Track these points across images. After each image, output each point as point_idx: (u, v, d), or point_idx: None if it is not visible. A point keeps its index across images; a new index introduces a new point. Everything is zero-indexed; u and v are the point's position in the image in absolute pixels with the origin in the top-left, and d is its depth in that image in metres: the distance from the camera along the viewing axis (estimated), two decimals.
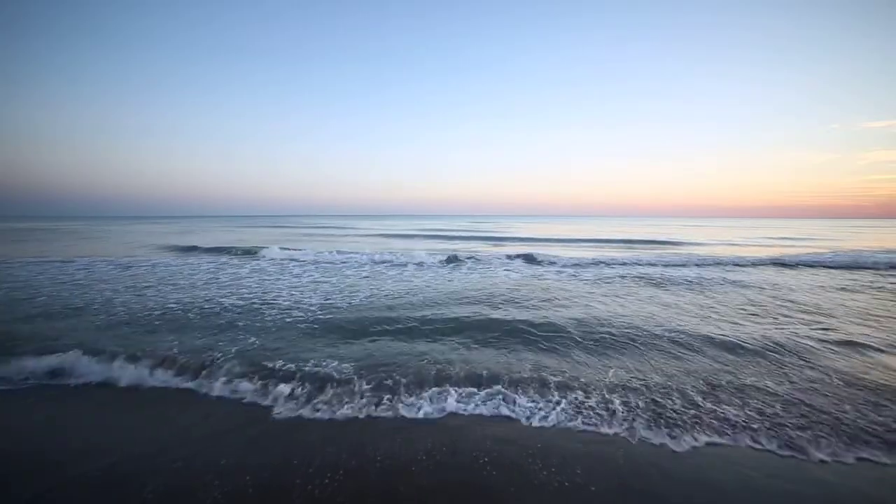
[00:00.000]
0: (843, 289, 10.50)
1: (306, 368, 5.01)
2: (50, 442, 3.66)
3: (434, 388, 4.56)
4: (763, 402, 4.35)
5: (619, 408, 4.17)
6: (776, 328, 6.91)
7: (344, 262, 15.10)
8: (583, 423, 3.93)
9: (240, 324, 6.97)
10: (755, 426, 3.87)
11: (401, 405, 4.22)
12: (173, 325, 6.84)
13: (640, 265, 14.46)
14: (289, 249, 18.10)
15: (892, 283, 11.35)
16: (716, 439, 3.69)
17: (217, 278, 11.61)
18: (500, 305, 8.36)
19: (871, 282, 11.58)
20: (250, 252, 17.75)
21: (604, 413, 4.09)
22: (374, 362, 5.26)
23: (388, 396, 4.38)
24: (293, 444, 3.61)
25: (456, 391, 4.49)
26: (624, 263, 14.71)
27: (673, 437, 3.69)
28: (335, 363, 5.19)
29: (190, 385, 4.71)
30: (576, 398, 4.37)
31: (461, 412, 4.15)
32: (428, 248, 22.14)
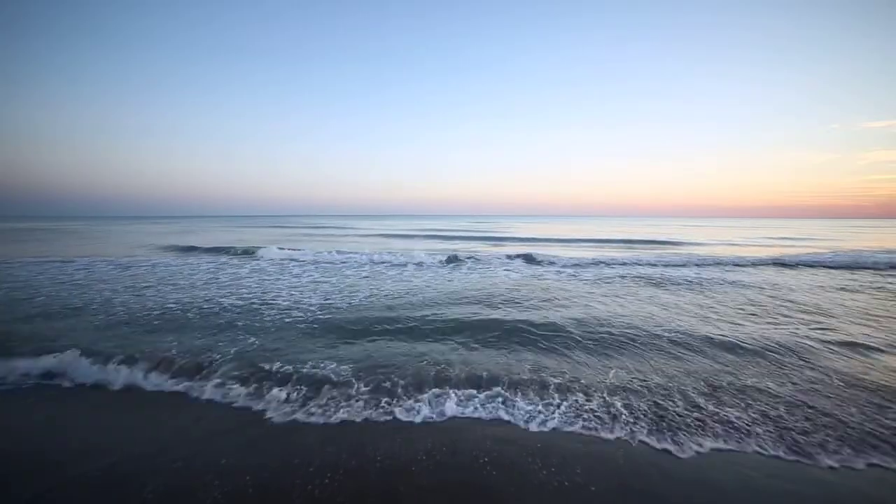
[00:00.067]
0: (843, 289, 10.50)
1: (304, 370, 4.97)
2: (50, 442, 3.66)
3: (433, 390, 4.52)
4: (766, 404, 4.29)
5: (621, 411, 4.11)
6: (777, 329, 6.91)
7: (343, 262, 15.11)
8: (583, 427, 3.87)
9: (239, 324, 6.97)
10: (759, 430, 3.81)
11: (398, 409, 4.17)
12: (171, 326, 6.84)
13: (639, 265, 14.46)
14: (288, 249, 18.09)
15: (892, 284, 11.35)
16: (720, 444, 3.62)
17: (216, 278, 11.61)
18: (500, 305, 8.36)
19: (872, 282, 11.58)
20: (248, 252, 17.73)
21: (605, 416, 4.04)
22: (372, 364, 5.23)
23: (386, 399, 4.33)
24: (292, 446, 3.61)
25: (455, 394, 4.44)
26: (624, 263, 14.72)
27: (677, 444, 3.61)
28: (333, 365, 5.16)
29: (182, 388, 4.63)
30: (576, 401, 4.32)
31: (459, 416, 4.09)
32: (428, 248, 22.14)
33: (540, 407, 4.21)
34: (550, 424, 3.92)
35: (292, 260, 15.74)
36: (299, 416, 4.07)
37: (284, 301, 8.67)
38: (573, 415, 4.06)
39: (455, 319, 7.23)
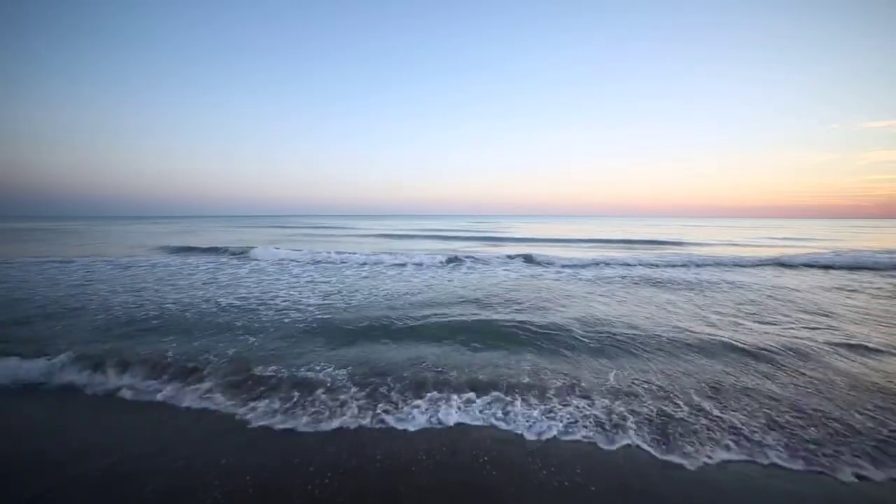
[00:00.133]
0: (844, 290, 10.49)
1: (299, 374, 4.90)
2: (50, 442, 3.66)
3: (431, 394, 4.43)
4: (771, 409, 4.17)
5: (623, 418, 3.97)
6: (778, 330, 6.89)
7: (343, 262, 15.11)
8: (583, 437, 3.72)
9: (237, 323, 6.97)
10: (768, 440, 3.65)
11: (392, 417, 4.03)
12: (165, 329, 6.70)
13: (639, 266, 14.46)
14: (286, 250, 18.07)
15: (893, 284, 11.34)
16: (726, 456, 3.45)
17: (215, 278, 11.61)
18: (500, 306, 8.35)
19: (873, 283, 11.58)
20: (245, 252, 17.63)
21: (606, 423, 3.91)
22: (370, 367, 5.15)
23: (382, 407, 4.19)
24: (292, 447, 3.61)
25: (453, 400, 4.30)
26: (624, 264, 14.72)
27: (685, 455, 3.44)
28: (330, 368, 5.09)
29: (172, 395, 4.46)
30: (577, 407, 4.19)
31: (455, 425, 3.92)
32: (428, 248, 22.14)
33: (537, 413, 4.08)
34: (550, 434, 3.76)
35: (292, 260, 15.72)
36: (290, 424, 3.91)
37: (283, 301, 8.67)
38: (573, 422, 3.93)
39: (454, 321, 7.22)
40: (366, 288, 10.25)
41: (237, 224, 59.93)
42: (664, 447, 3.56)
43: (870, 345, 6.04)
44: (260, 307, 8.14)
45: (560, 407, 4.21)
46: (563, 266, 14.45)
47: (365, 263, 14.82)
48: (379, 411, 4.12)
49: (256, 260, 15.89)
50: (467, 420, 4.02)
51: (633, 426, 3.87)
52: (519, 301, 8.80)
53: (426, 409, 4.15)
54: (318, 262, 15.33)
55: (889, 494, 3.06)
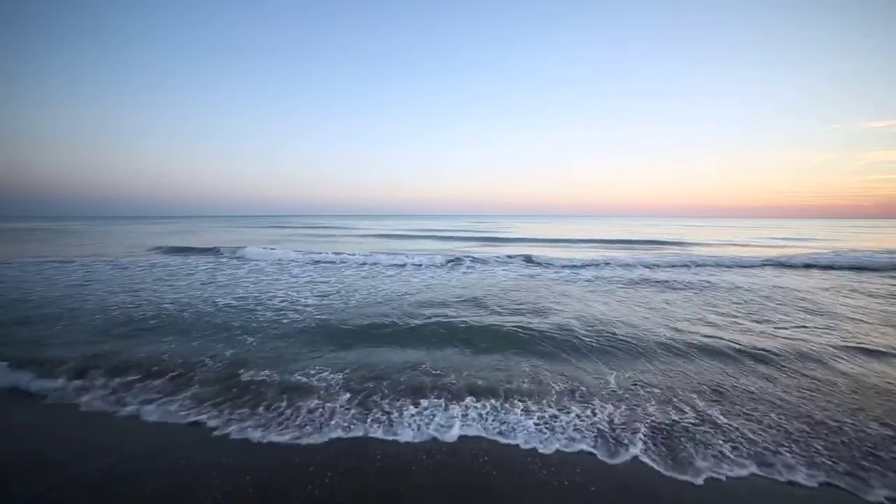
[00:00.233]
0: (847, 291, 10.48)
1: (292, 379, 4.80)
2: (50, 442, 3.66)
3: (427, 402, 4.28)
4: (781, 418, 4.02)
5: (625, 430, 3.80)
6: (780, 332, 6.85)
7: (343, 262, 15.11)
8: (585, 449, 3.54)
9: (234, 324, 6.97)
10: (782, 452, 3.47)
11: (384, 426, 3.86)
12: (161, 331, 6.58)
13: (639, 266, 14.45)
14: (282, 250, 18.07)
15: (894, 285, 11.34)
16: (736, 470, 3.26)
17: (214, 278, 11.62)
18: (499, 307, 8.35)
19: (874, 283, 11.57)
20: (238, 252, 17.60)
21: (608, 433, 3.75)
22: (366, 372, 5.02)
23: (378, 415, 4.05)
24: (291, 447, 3.61)
25: (453, 408, 4.16)
26: (624, 264, 14.71)
27: (693, 470, 3.26)
28: (325, 372, 4.99)
29: (151, 412, 4.14)
30: (577, 416, 4.04)
31: (448, 440, 3.69)
32: (427, 248, 22.16)
33: (537, 423, 3.91)
34: (550, 448, 3.56)
35: (292, 261, 15.73)
36: (279, 437, 3.70)
37: (281, 301, 8.68)
38: (574, 433, 3.76)
39: (453, 321, 7.20)
40: (365, 288, 10.26)
41: (237, 224, 59.93)
42: (670, 461, 3.38)
43: (879, 349, 5.90)
44: (258, 307, 8.14)
45: (560, 416, 4.05)
46: (563, 266, 14.45)
47: (364, 263, 14.82)
48: (370, 422, 3.93)
49: (255, 260, 15.89)
50: (466, 432, 3.81)
51: (637, 437, 3.69)
52: (518, 301, 8.80)
53: (424, 419, 3.98)
54: (319, 262, 15.33)
55: None
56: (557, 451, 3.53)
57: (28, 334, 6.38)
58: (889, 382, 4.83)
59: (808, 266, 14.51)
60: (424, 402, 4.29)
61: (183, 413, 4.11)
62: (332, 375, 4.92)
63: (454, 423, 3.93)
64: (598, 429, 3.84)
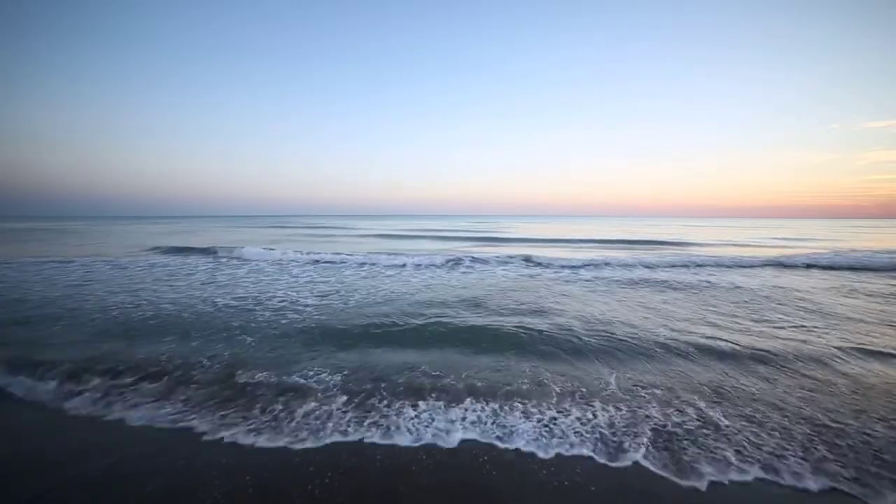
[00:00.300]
0: (846, 291, 10.47)
1: (289, 381, 4.74)
2: (50, 442, 3.66)
3: (427, 403, 4.23)
4: (786, 420, 3.93)
5: (627, 433, 3.72)
6: (782, 333, 6.83)
7: (343, 263, 15.10)
8: (586, 453, 3.47)
9: (234, 323, 6.97)
10: (786, 456, 3.39)
11: (382, 431, 3.78)
12: (155, 333, 6.49)
13: (639, 266, 14.44)
14: (284, 250, 18.07)
15: (893, 285, 11.34)
16: (741, 475, 3.18)
17: (214, 278, 11.62)
18: (499, 307, 8.35)
19: (874, 284, 11.56)
20: (241, 252, 17.61)
21: (609, 437, 3.68)
22: (364, 374, 4.95)
23: (376, 418, 3.97)
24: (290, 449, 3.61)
25: (452, 412, 4.08)
26: (624, 264, 14.70)
27: (696, 474, 3.19)
28: (323, 374, 4.92)
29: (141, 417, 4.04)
30: (578, 419, 3.97)
31: (447, 445, 3.60)
32: (427, 248, 22.16)
33: (536, 427, 3.83)
34: (550, 453, 3.48)
35: (292, 261, 15.73)
36: (268, 443, 3.62)
37: (280, 301, 8.67)
38: (574, 436, 3.69)
39: (453, 322, 7.20)
40: (364, 288, 10.25)
41: (237, 224, 59.94)
42: (672, 465, 3.30)
43: (881, 349, 5.86)
44: (257, 307, 8.14)
45: (561, 418, 3.98)
46: (563, 266, 14.43)
47: (364, 263, 14.81)
48: (367, 426, 3.85)
49: (254, 261, 15.88)
50: (466, 436, 3.73)
51: (639, 441, 3.62)
52: (518, 302, 8.80)
53: (418, 427, 3.85)
54: (317, 262, 15.32)
55: None
56: (557, 455, 3.47)
57: (25, 335, 6.38)
58: (891, 384, 4.80)
59: (808, 266, 14.51)
60: (423, 405, 4.21)
61: (176, 416, 4.03)
62: (330, 377, 4.86)
63: (453, 427, 3.84)
64: (599, 432, 3.77)
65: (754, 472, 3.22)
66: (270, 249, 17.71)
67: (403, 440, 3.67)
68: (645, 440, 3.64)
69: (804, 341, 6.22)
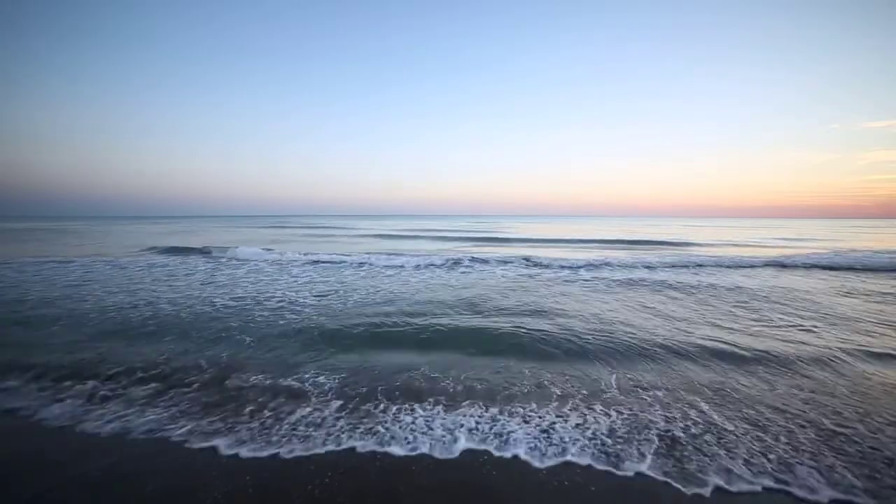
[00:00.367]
0: (846, 291, 10.47)
1: (283, 384, 4.67)
2: (50, 442, 3.65)
3: (424, 410, 4.12)
4: (793, 426, 3.82)
5: (629, 440, 3.61)
6: (783, 334, 6.81)
7: (342, 263, 15.10)
8: (588, 462, 3.35)
9: (233, 324, 6.98)
10: (794, 465, 3.27)
11: (378, 439, 3.65)
12: (152, 335, 6.44)
13: (639, 267, 14.43)
14: (282, 251, 18.07)
15: (893, 286, 11.33)
16: (750, 485, 3.06)
17: (214, 278, 11.62)
18: (498, 308, 8.34)
19: (874, 284, 11.56)
20: (241, 253, 17.61)
21: (611, 444, 3.56)
22: (362, 378, 4.87)
23: (370, 426, 3.84)
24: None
25: (451, 415, 4.00)
26: (624, 265, 14.69)
27: (698, 481, 3.10)
28: (321, 378, 4.84)
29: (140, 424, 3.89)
30: (577, 424, 3.88)
31: (442, 456, 3.45)
32: (427, 248, 22.16)
33: (536, 434, 3.72)
34: (551, 462, 3.35)
35: (291, 262, 15.73)
36: (264, 452, 3.48)
37: (279, 302, 8.67)
38: (575, 443, 3.57)
39: (451, 323, 7.17)
40: (363, 288, 10.25)
41: (237, 224, 59.95)
42: (675, 473, 3.19)
43: (882, 350, 5.81)
44: (255, 307, 8.15)
45: (562, 424, 3.89)
46: (563, 267, 14.42)
47: (363, 264, 14.81)
48: (362, 434, 3.72)
49: (253, 261, 15.88)
50: (468, 445, 3.59)
51: (641, 447, 3.51)
52: (518, 302, 8.79)
53: (420, 431, 3.77)
54: (316, 262, 15.31)
55: None
56: (556, 462, 3.35)
57: (23, 336, 6.37)
58: (894, 385, 4.76)
59: (808, 266, 14.51)
60: (421, 411, 4.11)
61: (169, 423, 3.90)
62: (327, 380, 4.78)
63: (453, 435, 3.72)
64: (601, 438, 3.67)
65: (762, 482, 3.09)
66: (268, 250, 17.74)
67: (401, 450, 3.51)
68: (648, 447, 3.53)
69: (805, 342, 6.21)
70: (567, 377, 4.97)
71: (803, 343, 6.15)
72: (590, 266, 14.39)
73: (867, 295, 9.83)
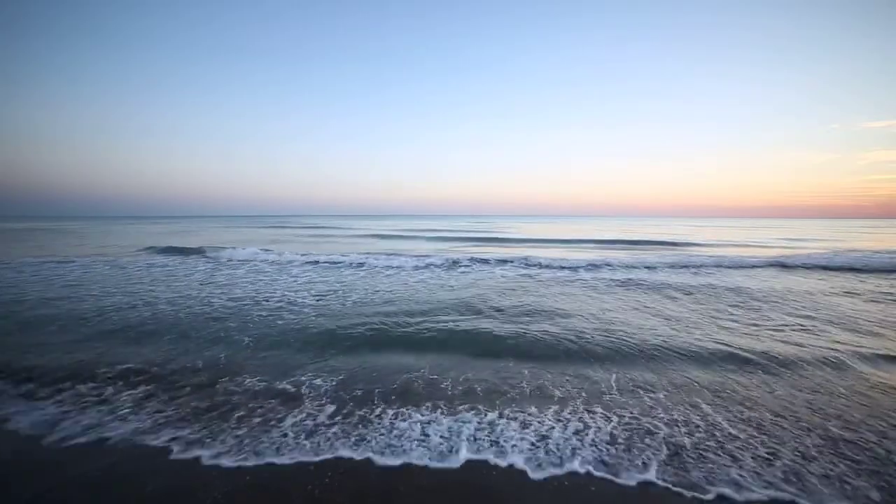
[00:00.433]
0: (847, 291, 10.46)
1: (277, 387, 4.61)
2: (50, 442, 3.65)
3: (421, 416, 4.02)
4: (801, 433, 3.72)
5: (633, 447, 3.52)
6: (784, 335, 6.80)
7: (341, 263, 15.09)
8: (591, 470, 3.24)
9: (231, 324, 6.97)
10: (806, 473, 3.17)
11: (374, 446, 3.54)
12: (148, 337, 6.35)
13: (639, 267, 14.43)
14: (279, 251, 18.06)
15: (893, 286, 11.34)
16: (752, 496, 2.96)
17: (213, 278, 11.62)
18: (497, 310, 8.32)
19: (874, 284, 11.56)
20: (241, 254, 17.64)
21: (614, 450, 3.47)
22: (359, 381, 4.79)
23: (364, 433, 3.73)
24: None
25: (445, 422, 3.89)
26: (624, 265, 14.69)
27: (703, 489, 3.01)
28: (318, 380, 4.80)
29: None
30: (577, 429, 3.78)
31: (430, 465, 3.33)
32: (426, 248, 22.16)
33: (536, 440, 3.63)
34: (552, 471, 3.24)
35: (290, 262, 15.73)
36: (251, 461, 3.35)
37: (277, 303, 8.68)
38: (577, 451, 3.47)
39: (450, 324, 7.16)
40: (362, 289, 10.24)
41: (237, 224, 59.95)
42: (680, 480, 3.11)
43: (884, 351, 5.77)
44: (254, 308, 8.15)
45: (562, 428, 3.81)
46: (562, 267, 14.41)
47: (363, 264, 14.80)
48: (356, 441, 3.61)
49: (252, 261, 15.89)
50: (470, 456, 3.44)
51: (644, 454, 3.42)
52: (517, 303, 8.79)
53: (416, 439, 3.65)
54: (316, 262, 15.31)
55: None
56: (556, 470, 3.26)
57: (20, 337, 6.36)
58: None
59: (808, 266, 14.50)
60: (419, 416, 4.02)
61: (151, 432, 3.75)
62: (323, 383, 4.72)
63: (450, 443, 3.60)
64: (602, 443, 3.58)
65: (769, 493, 2.98)
66: (266, 250, 17.72)
67: (395, 460, 3.38)
68: (652, 453, 3.43)
69: (806, 343, 6.20)
70: (567, 378, 4.95)
71: (804, 344, 6.15)
72: (590, 266, 14.38)
73: (867, 296, 9.82)
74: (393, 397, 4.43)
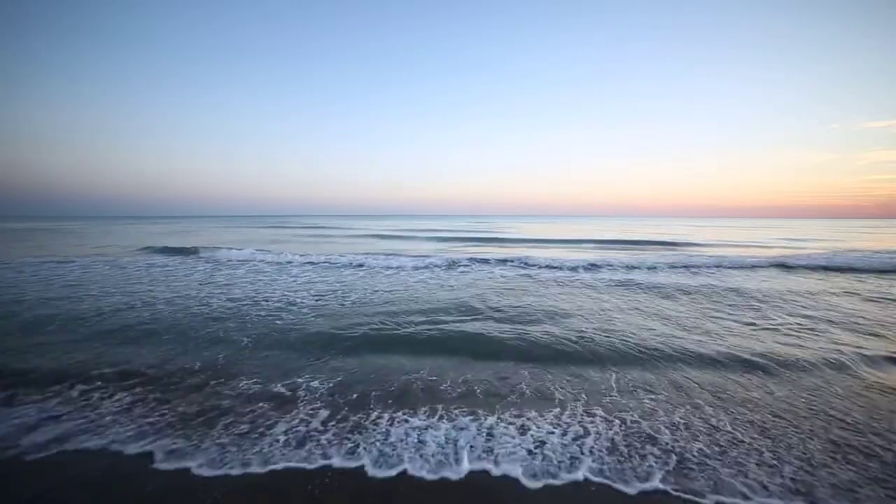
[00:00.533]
0: (847, 292, 10.46)
1: (273, 390, 4.56)
2: (50, 442, 3.65)
3: (419, 421, 3.94)
4: (810, 439, 3.63)
5: (636, 453, 3.44)
6: (785, 336, 6.79)
7: (341, 264, 15.09)
8: (590, 472, 3.22)
9: (230, 325, 6.97)
10: (816, 483, 3.08)
11: (367, 459, 3.38)
12: (145, 338, 6.32)
13: (640, 268, 14.40)
14: (278, 252, 18.06)
15: (892, 285, 11.33)
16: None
17: (212, 278, 11.62)
18: (497, 310, 8.31)
19: (874, 284, 11.56)
20: (240, 254, 17.67)
21: (618, 457, 3.39)
22: (357, 384, 4.73)
23: (358, 441, 3.61)
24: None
25: (442, 426, 3.82)
26: (624, 266, 14.67)
27: (707, 498, 2.94)
28: (314, 382, 4.75)
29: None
30: (577, 433, 3.73)
31: (426, 476, 3.21)
32: (426, 248, 22.16)
33: (535, 440, 3.61)
34: (553, 480, 3.15)
35: (289, 262, 15.73)
36: (238, 468, 3.26)
37: (276, 303, 8.68)
38: (579, 458, 3.39)
39: (449, 325, 7.14)
40: (361, 289, 10.24)
41: (236, 224, 59.93)
42: (684, 488, 3.04)
43: (887, 353, 5.72)
44: (253, 308, 8.15)
45: (563, 433, 3.74)
46: (562, 267, 14.40)
47: (362, 264, 14.80)
48: (349, 450, 3.49)
49: (251, 261, 15.89)
50: (472, 466, 3.32)
51: (648, 461, 3.33)
52: (517, 304, 8.78)
53: (412, 447, 3.55)
54: (315, 263, 15.32)
55: None
56: (556, 478, 3.17)
57: (18, 338, 6.34)
58: None
59: (808, 267, 14.49)
60: (417, 421, 3.94)
61: (139, 438, 3.67)
62: (320, 385, 4.68)
63: (445, 450, 3.51)
64: (604, 449, 3.51)
65: (775, 502, 2.92)
66: (263, 251, 17.71)
67: (391, 471, 3.25)
68: (655, 460, 3.35)
69: (807, 344, 6.20)
70: (567, 380, 4.91)
71: (804, 344, 6.14)
72: (590, 266, 14.37)
73: (867, 296, 9.81)
74: (390, 400, 4.37)
